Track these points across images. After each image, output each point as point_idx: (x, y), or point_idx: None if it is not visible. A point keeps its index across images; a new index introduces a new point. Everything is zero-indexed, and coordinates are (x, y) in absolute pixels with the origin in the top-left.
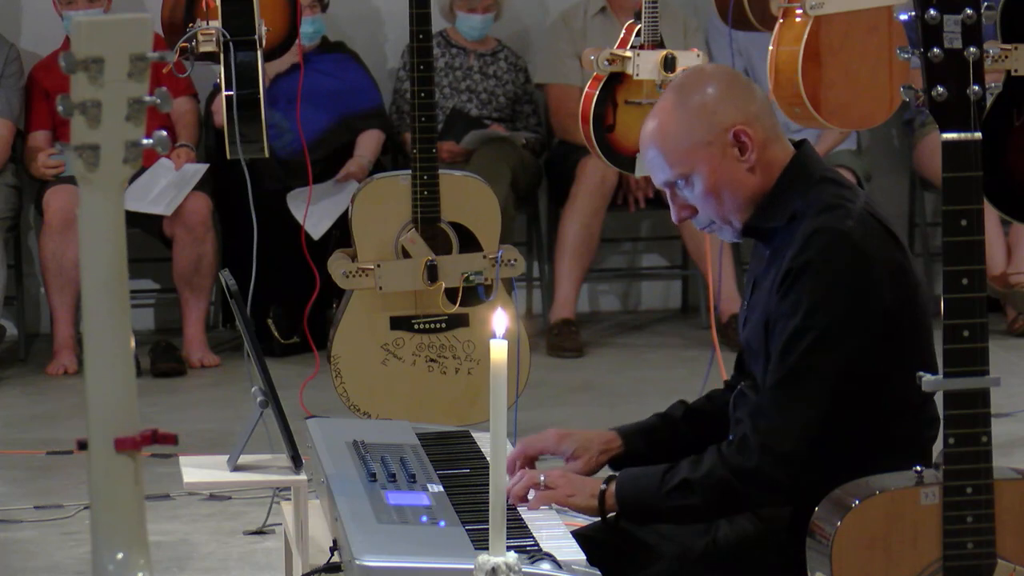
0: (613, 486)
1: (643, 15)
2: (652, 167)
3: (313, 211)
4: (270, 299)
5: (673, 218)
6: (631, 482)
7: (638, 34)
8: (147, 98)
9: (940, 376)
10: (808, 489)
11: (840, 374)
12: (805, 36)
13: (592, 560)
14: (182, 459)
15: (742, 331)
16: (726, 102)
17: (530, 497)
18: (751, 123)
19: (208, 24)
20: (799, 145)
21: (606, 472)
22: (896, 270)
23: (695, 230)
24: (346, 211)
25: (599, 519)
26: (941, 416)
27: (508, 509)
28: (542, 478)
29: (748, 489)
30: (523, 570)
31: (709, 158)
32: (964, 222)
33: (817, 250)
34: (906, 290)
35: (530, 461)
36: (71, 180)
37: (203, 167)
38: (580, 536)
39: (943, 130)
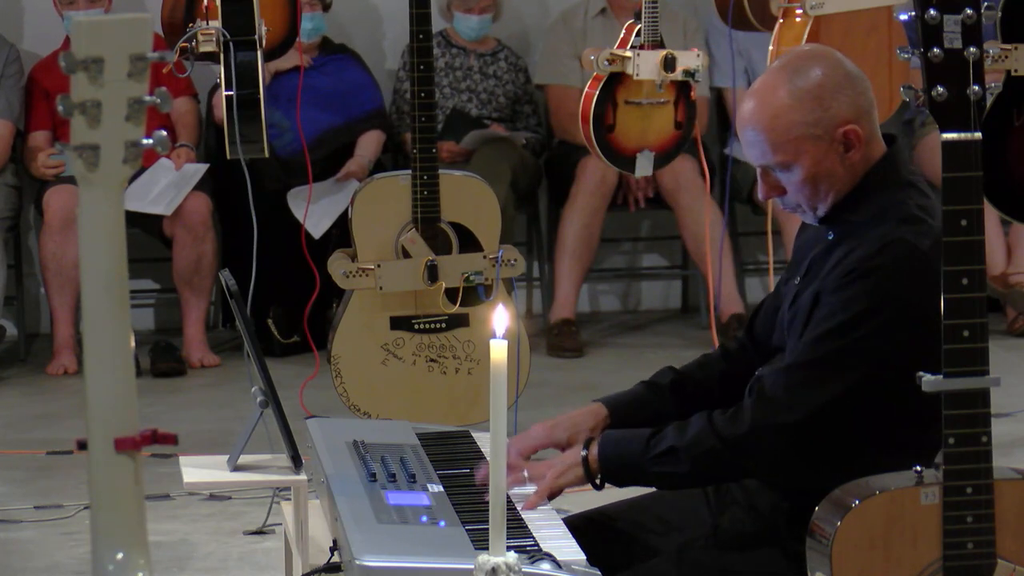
0: (595, 449)
1: (643, 15)
2: (750, 147)
3: (313, 210)
4: (270, 299)
5: (760, 195)
6: (614, 445)
7: (638, 34)
8: (147, 98)
9: (940, 376)
10: (799, 475)
11: (864, 375)
12: (805, 36)
13: (592, 556)
14: (182, 459)
15: (787, 304)
16: (840, 95)
17: (517, 490)
18: (861, 120)
19: (208, 24)
20: (891, 141)
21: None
22: None
23: (695, 230)
24: (346, 211)
25: (595, 505)
26: (942, 417)
27: (508, 509)
28: (525, 473)
29: (737, 459)
30: (523, 570)
31: (815, 151)
32: (964, 222)
33: (891, 259)
34: None
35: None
36: (71, 180)
37: (203, 167)
38: (580, 533)
39: (943, 130)
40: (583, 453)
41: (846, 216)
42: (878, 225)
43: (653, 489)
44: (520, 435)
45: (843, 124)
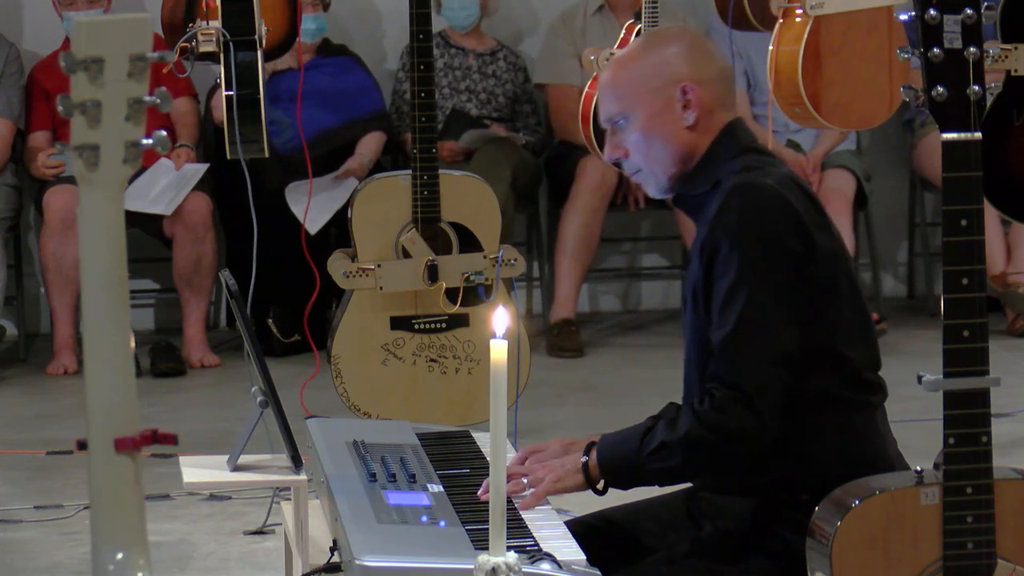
0: (594, 455)
1: (643, 15)
2: (602, 100)
3: (310, 205)
4: (270, 299)
5: (605, 156)
6: (611, 449)
7: (638, 34)
8: (147, 98)
9: (940, 376)
10: (784, 440)
11: (783, 318)
12: (805, 36)
13: (592, 558)
14: (182, 459)
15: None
16: (684, 58)
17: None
18: (702, 84)
19: (208, 24)
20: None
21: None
22: (813, 220)
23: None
24: (344, 209)
25: (595, 509)
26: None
27: (508, 509)
28: (524, 480)
29: (729, 447)
30: (523, 570)
31: (651, 103)
32: (964, 222)
33: (737, 205)
34: (826, 237)
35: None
36: (71, 180)
37: (203, 167)
38: (579, 537)
39: (943, 130)
40: (583, 459)
41: (689, 191)
42: (719, 187)
43: (655, 491)
44: (538, 445)
45: (681, 81)
